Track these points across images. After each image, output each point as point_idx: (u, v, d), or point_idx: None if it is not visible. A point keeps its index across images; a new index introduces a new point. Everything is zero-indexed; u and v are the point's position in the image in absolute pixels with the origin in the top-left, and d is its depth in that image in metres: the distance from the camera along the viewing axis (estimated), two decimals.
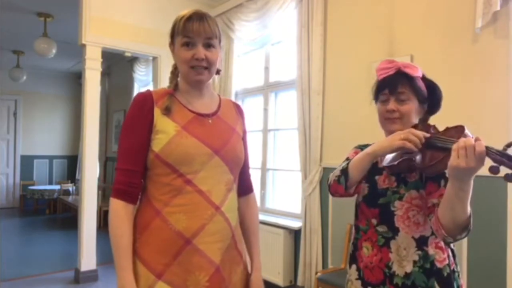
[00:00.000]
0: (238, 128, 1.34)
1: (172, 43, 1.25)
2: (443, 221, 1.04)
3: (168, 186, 1.16)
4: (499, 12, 2.28)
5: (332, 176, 1.30)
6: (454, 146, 0.96)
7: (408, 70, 1.23)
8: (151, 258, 1.14)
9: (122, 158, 1.18)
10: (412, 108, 1.23)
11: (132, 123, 1.18)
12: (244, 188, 1.37)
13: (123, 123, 1.21)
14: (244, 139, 1.36)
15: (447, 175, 1.12)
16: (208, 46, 1.19)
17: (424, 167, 1.09)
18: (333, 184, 1.28)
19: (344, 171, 1.24)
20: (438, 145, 1.07)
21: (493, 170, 0.90)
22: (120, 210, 1.15)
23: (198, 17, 1.18)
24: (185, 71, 1.21)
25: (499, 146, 0.94)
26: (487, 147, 0.93)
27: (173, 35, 1.23)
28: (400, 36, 2.84)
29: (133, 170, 1.16)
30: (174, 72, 1.28)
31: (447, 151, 1.00)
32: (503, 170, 0.91)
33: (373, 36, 3.01)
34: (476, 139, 0.94)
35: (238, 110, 1.41)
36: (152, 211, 1.17)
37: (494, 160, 0.92)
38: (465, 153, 0.93)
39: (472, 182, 0.98)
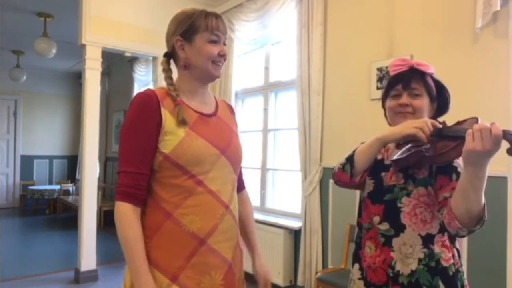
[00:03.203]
0: (234, 128, 1.35)
1: (184, 39, 1.21)
2: (457, 212, 1.01)
3: (179, 188, 1.15)
4: (499, 12, 2.28)
5: (337, 164, 1.29)
6: (469, 131, 0.94)
7: (421, 68, 1.24)
8: (164, 261, 1.13)
9: (127, 160, 1.13)
10: (424, 103, 1.22)
11: (136, 124, 1.14)
12: (238, 185, 1.38)
13: (125, 124, 1.16)
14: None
15: (459, 170, 1.12)
16: (224, 43, 1.25)
17: (435, 155, 1.07)
18: (337, 172, 1.27)
19: (350, 159, 1.22)
20: (451, 134, 1.04)
21: (511, 152, 0.90)
22: (129, 213, 1.10)
23: (218, 16, 1.24)
24: (206, 66, 1.21)
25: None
26: (503, 130, 0.91)
27: (190, 30, 1.20)
28: (400, 36, 2.84)
29: (140, 172, 1.12)
30: (169, 72, 1.25)
31: (460, 138, 0.98)
32: None
33: (373, 36, 3.01)
34: (492, 123, 0.93)
35: (231, 110, 1.41)
36: (161, 214, 1.15)
37: (511, 143, 0.91)
38: (480, 136, 0.91)
39: (487, 169, 0.95)
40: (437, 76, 1.30)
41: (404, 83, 1.22)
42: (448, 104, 1.29)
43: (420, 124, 1.08)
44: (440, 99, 1.27)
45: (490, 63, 2.36)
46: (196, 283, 1.13)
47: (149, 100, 1.15)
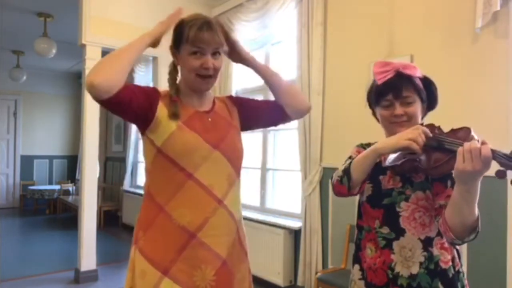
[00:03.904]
0: (234, 121, 1.35)
1: (175, 47, 1.24)
2: (451, 223, 1.03)
3: (170, 181, 1.16)
4: (499, 12, 2.28)
5: (334, 176, 1.27)
6: (460, 150, 0.94)
7: (408, 71, 1.19)
8: (156, 255, 1.14)
9: None
10: (418, 108, 1.21)
11: (141, 86, 1.20)
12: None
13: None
14: (246, 99, 1.43)
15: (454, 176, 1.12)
16: (215, 53, 1.20)
17: (428, 168, 1.08)
18: (336, 184, 1.25)
19: (347, 171, 1.20)
20: (444, 146, 1.05)
21: (500, 174, 0.89)
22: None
23: (208, 26, 1.17)
24: (191, 78, 1.21)
25: (499, 146, 0.93)
26: (493, 151, 0.91)
27: (177, 40, 1.22)
28: (400, 36, 2.84)
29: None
30: (173, 75, 1.28)
31: (453, 153, 0.98)
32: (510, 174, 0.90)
33: (373, 36, 3.01)
34: (483, 143, 0.93)
35: (230, 100, 1.40)
36: (155, 208, 1.17)
37: (501, 164, 0.90)
38: (470, 157, 0.91)
39: (479, 184, 0.96)
40: (434, 75, 1.28)
41: (395, 92, 1.19)
42: (437, 99, 1.27)
43: (414, 135, 1.06)
44: (428, 94, 1.25)
45: (490, 63, 2.35)
46: (188, 276, 1.14)
47: (154, 91, 1.21)
